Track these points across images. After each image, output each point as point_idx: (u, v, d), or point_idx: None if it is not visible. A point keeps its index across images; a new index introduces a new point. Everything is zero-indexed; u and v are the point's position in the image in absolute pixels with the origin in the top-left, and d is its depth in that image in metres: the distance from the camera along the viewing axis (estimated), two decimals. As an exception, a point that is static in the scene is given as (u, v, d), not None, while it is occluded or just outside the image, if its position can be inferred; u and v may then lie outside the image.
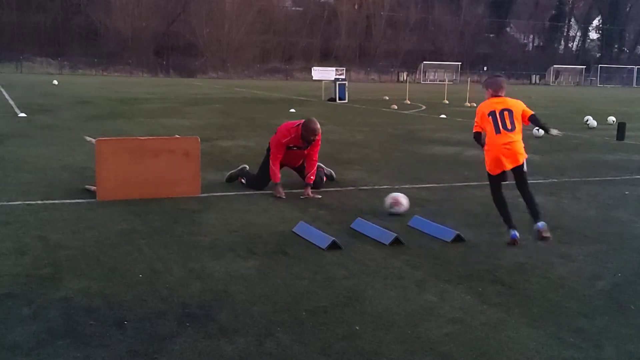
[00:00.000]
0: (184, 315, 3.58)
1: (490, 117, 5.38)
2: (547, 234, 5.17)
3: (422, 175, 8.61)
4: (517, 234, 5.24)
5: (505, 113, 5.38)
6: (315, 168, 7.08)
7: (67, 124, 14.14)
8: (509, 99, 5.54)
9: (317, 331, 3.42)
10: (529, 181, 5.52)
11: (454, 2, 78.17)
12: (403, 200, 6.25)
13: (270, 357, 3.12)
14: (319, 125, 6.95)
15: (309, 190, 6.90)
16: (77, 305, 3.69)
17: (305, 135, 6.90)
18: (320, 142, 7.12)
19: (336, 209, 6.39)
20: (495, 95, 5.53)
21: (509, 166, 5.35)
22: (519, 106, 5.51)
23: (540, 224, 5.18)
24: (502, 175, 5.49)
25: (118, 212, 5.96)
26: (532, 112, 5.51)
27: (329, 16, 74.46)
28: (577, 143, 13.17)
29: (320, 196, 6.90)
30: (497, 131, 5.31)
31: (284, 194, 6.82)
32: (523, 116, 5.47)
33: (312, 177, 6.99)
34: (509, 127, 5.32)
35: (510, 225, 5.31)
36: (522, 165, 5.39)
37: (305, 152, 7.08)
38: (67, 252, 4.70)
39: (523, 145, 5.41)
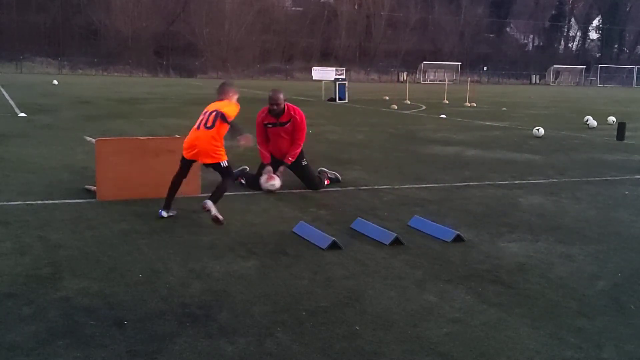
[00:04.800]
0: (184, 315, 3.58)
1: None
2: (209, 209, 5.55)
3: (422, 175, 8.61)
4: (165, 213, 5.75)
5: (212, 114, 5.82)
6: (298, 152, 7.26)
7: (67, 124, 14.13)
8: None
9: (317, 331, 3.42)
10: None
11: (454, 2, 78.19)
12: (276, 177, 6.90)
13: (270, 357, 3.12)
14: (278, 94, 7.22)
15: (282, 169, 7.17)
16: (77, 305, 3.69)
17: (269, 105, 7.23)
18: (304, 124, 7.34)
19: (336, 209, 6.39)
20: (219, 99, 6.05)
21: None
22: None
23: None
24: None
25: (118, 212, 5.96)
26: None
27: (329, 16, 74.49)
28: (577, 143, 13.18)
29: (282, 168, 7.18)
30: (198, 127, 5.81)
31: (276, 180, 6.96)
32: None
33: (290, 159, 7.22)
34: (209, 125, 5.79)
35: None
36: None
37: (288, 128, 7.26)
38: (67, 252, 4.70)
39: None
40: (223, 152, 5.84)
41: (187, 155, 5.87)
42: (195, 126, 5.82)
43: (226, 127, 5.80)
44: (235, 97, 6.21)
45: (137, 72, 62.42)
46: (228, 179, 5.89)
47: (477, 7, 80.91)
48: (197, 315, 3.58)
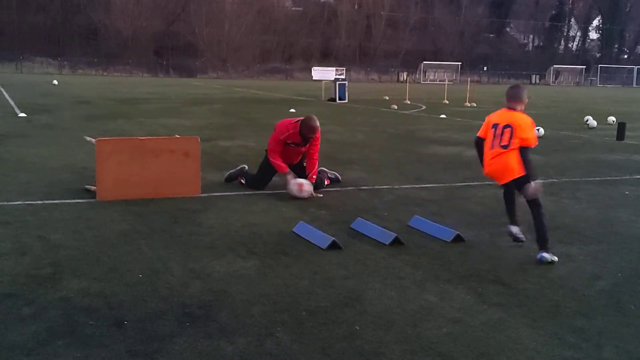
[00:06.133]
0: (184, 315, 3.58)
1: (493, 129, 4.95)
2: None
3: (422, 175, 8.61)
4: (514, 229, 5.09)
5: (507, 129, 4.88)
6: (317, 167, 7.10)
7: (67, 124, 14.13)
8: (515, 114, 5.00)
9: (317, 331, 3.42)
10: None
11: (454, 2, 78.17)
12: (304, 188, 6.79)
13: (270, 357, 3.12)
14: (318, 123, 6.98)
15: (312, 190, 6.93)
16: (77, 305, 3.69)
17: (304, 132, 6.93)
18: (319, 141, 7.14)
19: (336, 209, 6.39)
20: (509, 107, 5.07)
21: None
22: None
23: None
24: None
25: (118, 212, 5.96)
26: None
27: (329, 16, 74.45)
28: (577, 143, 13.18)
29: (321, 195, 6.93)
30: (491, 147, 4.94)
31: (298, 184, 6.79)
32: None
33: (314, 177, 7.01)
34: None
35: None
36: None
37: (304, 149, 7.11)
38: (67, 252, 4.70)
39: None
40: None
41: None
42: (489, 145, 4.93)
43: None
44: (522, 107, 5.13)
45: (137, 72, 62.39)
46: (538, 208, 4.82)
47: (477, 7, 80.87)
48: (197, 315, 3.58)
